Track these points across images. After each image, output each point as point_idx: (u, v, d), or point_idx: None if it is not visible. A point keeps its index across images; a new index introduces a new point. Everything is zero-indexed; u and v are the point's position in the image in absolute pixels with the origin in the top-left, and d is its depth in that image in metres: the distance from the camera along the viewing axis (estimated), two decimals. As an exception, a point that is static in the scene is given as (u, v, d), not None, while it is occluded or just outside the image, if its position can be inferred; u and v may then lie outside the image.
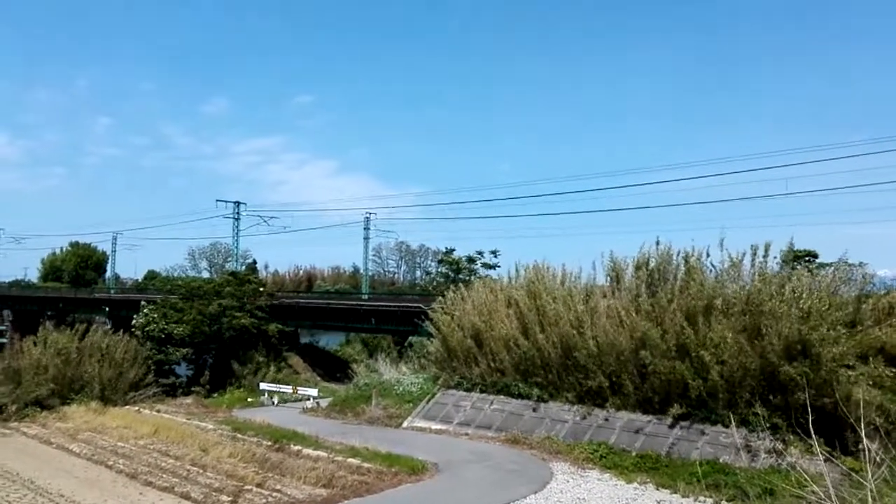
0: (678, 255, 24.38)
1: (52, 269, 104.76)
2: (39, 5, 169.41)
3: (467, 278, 37.47)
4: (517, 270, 30.99)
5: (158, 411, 33.54)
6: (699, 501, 16.60)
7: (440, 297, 32.60)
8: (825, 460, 9.05)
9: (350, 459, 21.23)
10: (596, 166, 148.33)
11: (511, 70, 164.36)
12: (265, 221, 69.89)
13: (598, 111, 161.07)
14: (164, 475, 20.69)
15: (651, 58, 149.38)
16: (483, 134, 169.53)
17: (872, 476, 6.59)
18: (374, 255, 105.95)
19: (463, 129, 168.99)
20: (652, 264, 24.85)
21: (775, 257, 22.76)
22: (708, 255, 23.54)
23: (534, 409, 25.10)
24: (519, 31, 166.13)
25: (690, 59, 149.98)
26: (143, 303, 47.94)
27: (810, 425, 9.23)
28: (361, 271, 76.89)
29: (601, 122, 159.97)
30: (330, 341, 61.04)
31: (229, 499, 17.93)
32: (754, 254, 22.60)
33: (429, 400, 28.50)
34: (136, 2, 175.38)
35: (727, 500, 16.04)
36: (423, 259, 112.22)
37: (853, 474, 7.19)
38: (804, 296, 20.03)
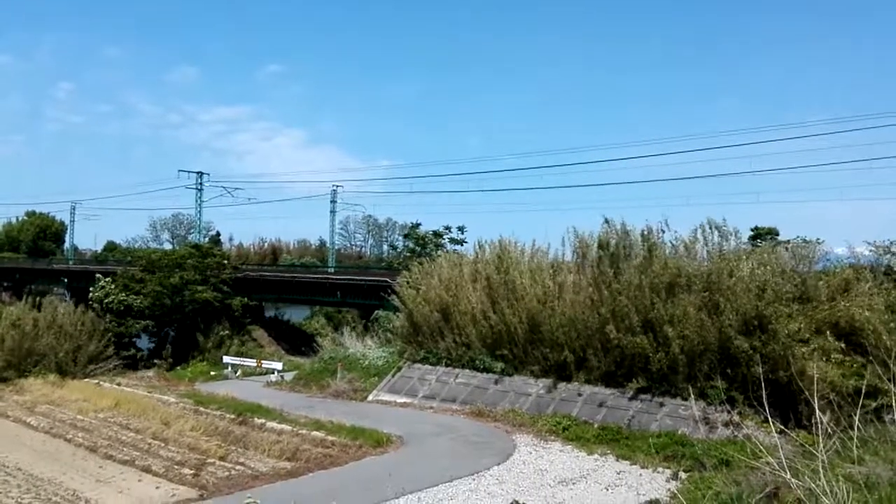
0: (640, 232, 24.70)
1: (8, 240, 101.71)
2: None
3: (434, 253, 37.39)
4: (482, 245, 31.07)
5: (119, 384, 33.07)
6: (657, 472, 16.98)
7: (406, 272, 32.56)
8: (779, 433, 9.28)
9: (314, 433, 21.23)
10: (568, 142, 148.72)
11: (487, 45, 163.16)
12: (229, 192, 68.87)
13: (573, 89, 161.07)
14: (125, 449, 20.47)
15: (627, 38, 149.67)
16: (456, 108, 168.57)
17: (824, 448, 6.77)
18: (341, 229, 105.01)
19: (435, 103, 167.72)
20: (614, 241, 25.12)
21: (736, 234, 23.26)
22: (667, 230, 23.99)
23: (498, 383, 25.35)
24: (497, 8, 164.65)
25: (664, 39, 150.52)
26: (97, 275, 46.90)
27: (765, 399, 9.48)
28: (328, 245, 76.28)
29: (576, 100, 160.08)
30: (295, 315, 60.67)
31: (191, 472, 17.84)
32: (714, 230, 23.06)
33: (394, 374, 28.58)
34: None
35: (684, 471, 16.43)
36: (390, 233, 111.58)
37: (806, 446, 7.37)
38: (760, 272, 20.48)
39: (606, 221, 25.48)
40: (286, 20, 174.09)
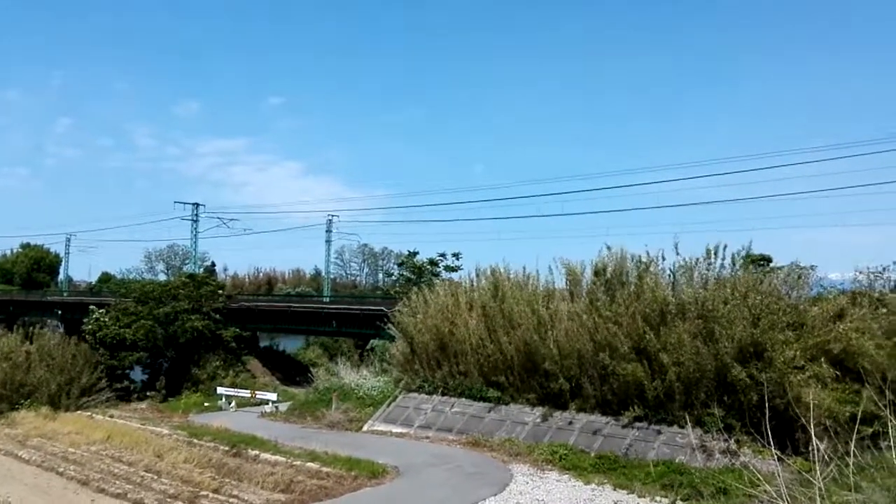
0: (633, 260, 24.77)
1: (2, 272, 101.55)
2: (17, 4, 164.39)
3: (429, 281, 37.38)
4: (478, 274, 31.12)
5: (112, 416, 32.72)
6: (655, 501, 16.84)
7: (403, 300, 32.51)
8: (777, 460, 9.26)
9: (309, 464, 21.00)
10: (568, 169, 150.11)
11: (489, 71, 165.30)
12: (224, 223, 69.16)
13: (576, 113, 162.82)
14: (117, 481, 20.19)
15: (628, 61, 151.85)
16: (455, 135, 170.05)
17: (821, 475, 6.77)
18: (336, 258, 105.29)
19: (436, 131, 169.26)
20: (609, 269, 25.19)
21: (728, 261, 23.35)
22: (664, 259, 24.03)
23: (494, 412, 25.19)
24: (498, 31, 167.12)
25: (668, 63, 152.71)
26: (92, 307, 46.74)
27: (765, 427, 9.45)
28: (323, 274, 76.29)
29: (577, 124, 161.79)
30: (290, 345, 60.46)
31: (185, 505, 17.59)
32: (708, 258, 23.15)
33: (389, 403, 28.38)
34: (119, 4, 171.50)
35: (682, 500, 16.30)
36: (385, 262, 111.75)
37: (803, 474, 7.37)
38: (755, 300, 20.53)
39: (608, 248, 25.56)
40: (289, 52, 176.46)
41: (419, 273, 42.76)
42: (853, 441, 8.22)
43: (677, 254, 23.48)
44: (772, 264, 36.09)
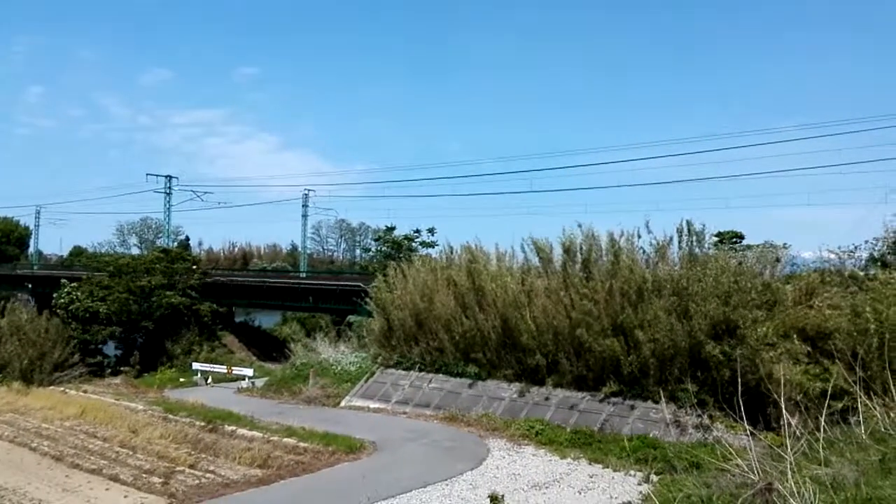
0: (608, 238, 24.90)
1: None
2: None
3: (407, 256, 37.33)
4: (452, 250, 31.12)
5: (85, 392, 32.44)
6: (630, 475, 17.12)
7: (380, 276, 32.46)
8: (749, 435, 9.43)
9: (286, 439, 21.02)
10: (550, 145, 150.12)
11: (467, 49, 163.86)
12: (198, 196, 68.25)
13: (552, 93, 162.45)
14: (92, 457, 20.05)
15: (604, 42, 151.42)
16: (436, 112, 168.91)
17: (792, 449, 6.90)
18: (313, 234, 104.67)
19: (415, 106, 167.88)
20: (584, 247, 25.31)
21: (702, 239, 23.56)
22: (639, 237, 24.20)
23: (471, 387, 25.37)
24: (477, 11, 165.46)
25: (646, 41, 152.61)
26: (63, 281, 46.03)
27: (737, 403, 9.63)
28: (300, 249, 75.83)
29: (559, 103, 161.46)
30: (266, 320, 60.16)
31: (160, 480, 17.51)
32: (681, 236, 23.36)
33: (367, 379, 28.44)
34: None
35: (656, 474, 16.56)
36: (363, 237, 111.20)
37: (774, 448, 7.50)
38: (727, 278, 20.79)
39: (579, 226, 25.71)
40: (262, 22, 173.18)
41: (397, 248, 42.70)
42: (823, 416, 8.39)
43: (649, 232, 23.74)
44: (744, 241, 36.64)
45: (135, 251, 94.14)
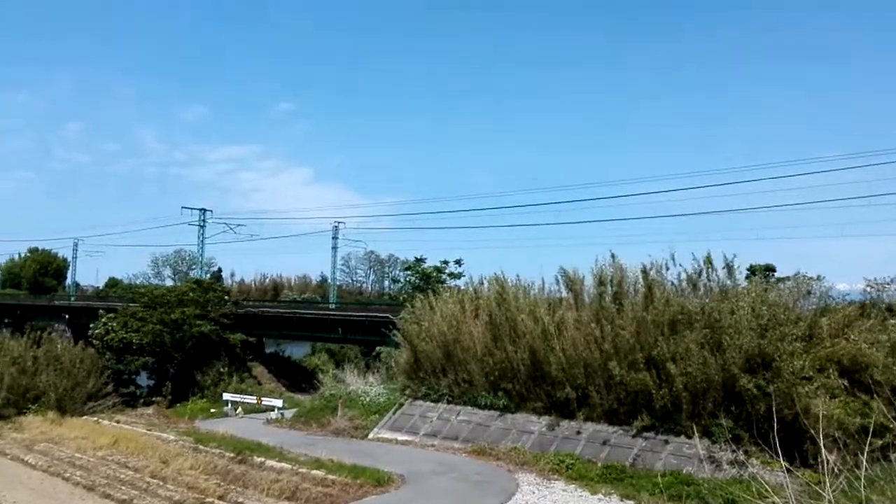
0: (641, 269, 24.70)
1: (10, 276, 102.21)
2: (21, 7, 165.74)
3: (435, 288, 37.45)
4: (481, 281, 31.11)
5: (118, 422, 32.77)
6: (662, 512, 16.75)
7: (409, 306, 32.48)
8: (786, 471, 9.20)
9: (314, 471, 20.98)
10: (575, 176, 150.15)
11: (497, 80, 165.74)
12: (231, 229, 69.43)
13: (585, 124, 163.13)
14: (123, 487, 20.22)
15: (643, 72, 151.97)
16: (464, 144, 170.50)
17: (831, 487, 6.72)
18: (342, 265, 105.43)
19: (445, 138, 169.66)
20: (615, 278, 25.12)
21: (729, 267, 23.26)
22: (668, 268, 24.00)
23: (500, 420, 25.11)
24: (507, 39, 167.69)
25: (678, 72, 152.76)
26: (100, 311, 46.91)
27: (773, 438, 9.41)
28: (329, 281, 76.37)
29: (586, 135, 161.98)
30: (296, 351, 60.46)
31: (190, 512, 17.59)
32: (710, 267, 23.10)
33: (395, 411, 28.33)
34: (126, 6, 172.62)
35: (690, 511, 16.21)
36: (391, 269, 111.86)
37: (812, 486, 7.31)
38: (762, 310, 20.43)
39: (613, 257, 25.53)
40: (299, 58, 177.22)
41: (426, 279, 42.84)
42: (864, 454, 8.15)
43: (676, 264, 23.61)
44: (776, 274, 36.00)
45: (169, 282, 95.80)
